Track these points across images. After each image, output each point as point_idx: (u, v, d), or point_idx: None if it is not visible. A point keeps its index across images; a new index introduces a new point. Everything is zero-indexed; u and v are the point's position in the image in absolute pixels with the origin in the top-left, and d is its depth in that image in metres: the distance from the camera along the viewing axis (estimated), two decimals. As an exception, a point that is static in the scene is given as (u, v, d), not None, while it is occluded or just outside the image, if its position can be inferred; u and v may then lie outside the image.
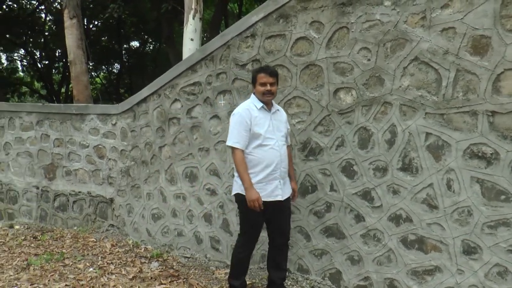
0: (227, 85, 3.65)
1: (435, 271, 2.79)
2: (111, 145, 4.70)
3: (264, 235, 3.19)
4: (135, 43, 18.60)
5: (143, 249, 4.31)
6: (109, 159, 4.74)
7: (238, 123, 2.85)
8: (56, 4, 14.57)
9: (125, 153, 4.57)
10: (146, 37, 17.30)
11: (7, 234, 4.88)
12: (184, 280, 3.52)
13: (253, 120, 2.84)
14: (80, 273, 3.64)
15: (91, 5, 12.48)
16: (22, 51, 17.40)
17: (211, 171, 3.85)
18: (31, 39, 15.99)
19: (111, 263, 3.91)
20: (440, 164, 2.71)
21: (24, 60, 18.48)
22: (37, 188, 5.28)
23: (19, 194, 5.41)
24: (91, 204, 4.96)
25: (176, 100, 4.03)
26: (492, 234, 2.55)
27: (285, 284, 3.21)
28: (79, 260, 3.95)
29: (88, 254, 4.14)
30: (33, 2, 15.49)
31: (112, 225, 4.85)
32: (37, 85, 20.79)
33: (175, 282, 3.48)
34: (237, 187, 2.94)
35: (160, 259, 4.02)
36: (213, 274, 3.66)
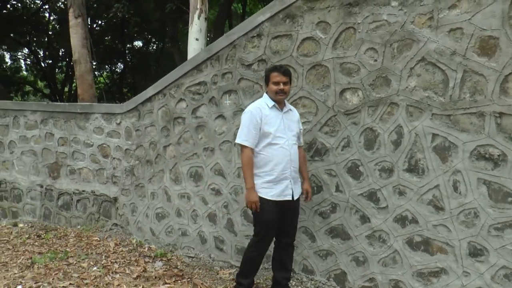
0: (233, 85, 3.65)
1: (440, 273, 2.78)
2: (115, 144, 4.71)
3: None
4: (138, 43, 18.65)
5: (146, 249, 4.31)
6: (113, 158, 4.74)
7: (248, 121, 2.86)
8: (60, 3, 14.63)
9: (130, 152, 4.57)
10: (149, 37, 17.33)
11: (11, 232, 4.89)
12: (189, 280, 3.51)
13: (264, 119, 2.85)
14: (84, 272, 3.64)
15: (95, 5, 12.51)
16: (25, 50, 17.47)
17: (216, 171, 3.84)
18: (34, 38, 16.06)
19: (115, 262, 3.91)
20: (447, 165, 2.70)
21: (28, 59, 18.56)
22: (41, 186, 5.29)
23: (23, 193, 5.42)
24: (95, 203, 4.97)
25: (181, 99, 4.03)
26: (499, 236, 2.54)
27: (289, 285, 3.21)
28: (83, 259, 3.95)
29: (92, 253, 4.14)
30: (37, 1, 15.55)
31: (116, 224, 4.85)
32: (40, 84, 20.86)
33: (179, 281, 3.47)
34: None
35: (164, 259, 4.02)
36: (218, 274, 3.66)
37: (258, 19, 3.43)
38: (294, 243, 3.13)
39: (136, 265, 3.83)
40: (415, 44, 2.74)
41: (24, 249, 4.23)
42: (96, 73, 17.95)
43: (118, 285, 3.38)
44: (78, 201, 5.08)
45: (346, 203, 3.15)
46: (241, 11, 14.88)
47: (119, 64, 18.69)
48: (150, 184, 4.41)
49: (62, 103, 5.97)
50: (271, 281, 3.24)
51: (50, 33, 15.90)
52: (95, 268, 3.74)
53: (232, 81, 3.65)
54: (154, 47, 18.99)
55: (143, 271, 3.68)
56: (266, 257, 3.56)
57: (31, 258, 3.92)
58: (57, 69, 18.07)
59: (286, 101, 3.02)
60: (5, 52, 17.37)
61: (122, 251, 4.23)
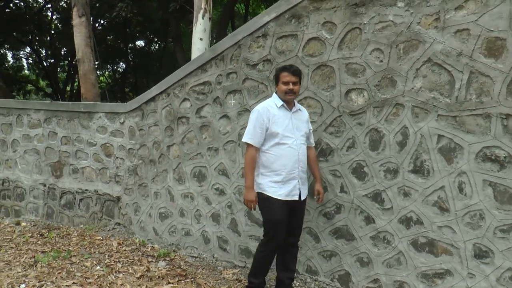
0: (237, 85, 3.64)
1: (445, 274, 2.77)
2: (118, 144, 4.71)
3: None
4: (140, 43, 18.67)
5: (149, 248, 4.31)
6: (117, 157, 4.74)
7: (255, 120, 2.87)
8: (63, 2, 14.65)
9: (133, 152, 4.57)
10: (151, 36, 17.35)
11: (14, 231, 4.89)
12: (192, 279, 3.51)
13: (272, 118, 2.85)
14: (88, 271, 3.64)
15: (98, 4, 12.52)
16: (28, 49, 17.51)
17: (220, 171, 3.84)
18: (37, 38, 16.09)
19: (118, 261, 3.91)
20: (452, 166, 2.69)
21: (30, 58, 18.60)
22: (44, 185, 5.29)
23: (26, 191, 5.43)
24: (98, 202, 4.97)
25: (185, 99, 4.02)
26: (504, 238, 2.53)
27: (293, 285, 3.20)
28: (86, 258, 3.95)
29: (95, 252, 4.14)
30: (39, 0, 15.57)
31: (119, 224, 4.85)
32: (42, 83, 20.89)
33: (182, 281, 3.47)
34: (257, 187, 2.94)
35: (167, 258, 4.01)
36: (221, 274, 3.66)
37: (263, 19, 3.43)
38: (298, 244, 3.13)
39: (140, 265, 3.83)
40: (421, 45, 2.74)
41: (27, 248, 4.23)
42: (98, 72, 17.97)
43: (122, 284, 3.38)
44: (81, 200, 5.08)
45: (351, 204, 3.14)
46: (244, 11, 14.89)
47: (121, 63, 18.72)
48: (154, 184, 4.40)
49: (66, 102, 5.97)
50: (274, 281, 3.24)
51: (52, 32, 15.92)
52: (98, 267, 3.74)
53: (237, 81, 3.65)
54: (156, 47, 19.02)
55: (147, 270, 3.68)
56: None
57: (34, 257, 3.92)
58: (59, 68, 18.10)
59: (295, 101, 3.01)
60: (7, 51, 17.39)
61: (125, 250, 4.23)
